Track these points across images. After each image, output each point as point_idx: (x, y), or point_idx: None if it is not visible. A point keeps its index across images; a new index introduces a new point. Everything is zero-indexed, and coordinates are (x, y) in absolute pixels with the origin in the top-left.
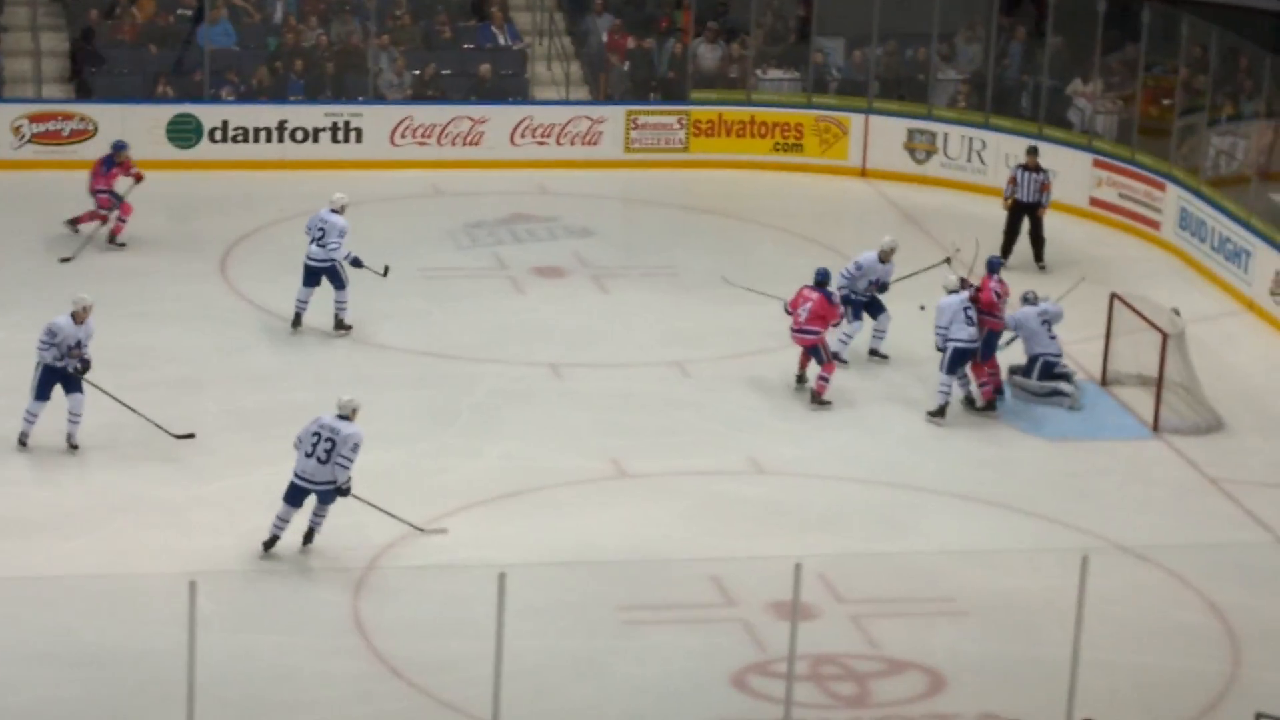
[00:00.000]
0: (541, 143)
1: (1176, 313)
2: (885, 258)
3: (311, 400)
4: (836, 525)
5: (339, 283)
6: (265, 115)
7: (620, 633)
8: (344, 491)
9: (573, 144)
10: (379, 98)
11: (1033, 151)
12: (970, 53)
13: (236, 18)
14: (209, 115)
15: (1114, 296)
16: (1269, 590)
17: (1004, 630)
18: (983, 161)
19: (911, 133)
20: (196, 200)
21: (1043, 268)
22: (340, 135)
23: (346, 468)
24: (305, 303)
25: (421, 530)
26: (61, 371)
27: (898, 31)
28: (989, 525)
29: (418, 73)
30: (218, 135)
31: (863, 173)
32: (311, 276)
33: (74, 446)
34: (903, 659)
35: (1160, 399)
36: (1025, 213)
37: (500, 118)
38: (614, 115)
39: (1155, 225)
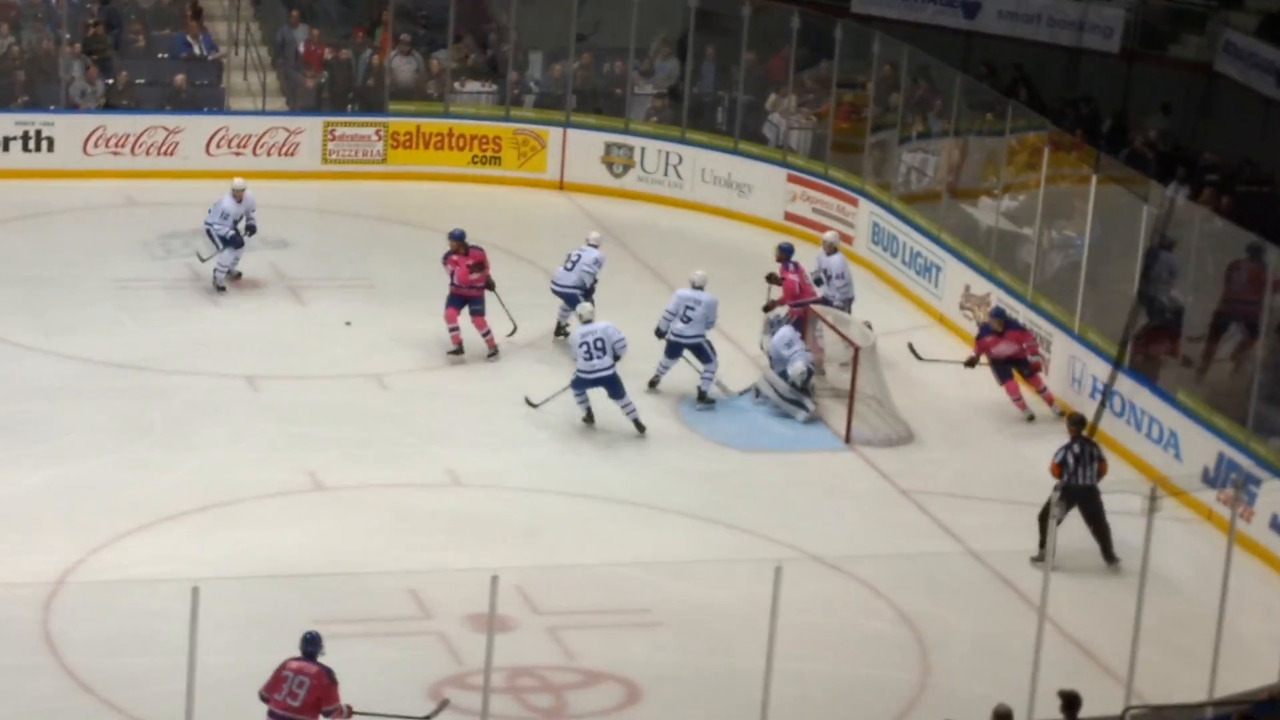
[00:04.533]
0: (238, 153)
1: (869, 326)
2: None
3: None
4: (534, 537)
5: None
6: None
7: None
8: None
9: (269, 155)
10: (71, 106)
11: (1077, 422)
12: (667, 68)
13: None
14: None
15: (808, 309)
16: (958, 600)
17: (699, 641)
18: (679, 176)
19: (609, 146)
20: None
21: (1114, 560)
22: (31, 144)
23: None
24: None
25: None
26: None
27: (595, 46)
28: (684, 537)
29: (110, 81)
30: None
31: (561, 186)
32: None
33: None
34: (599, 670)
35: (853, 411)
36: (1078, 499)
37: (195, 128)
38: (311, 126)
39: (848, 240)
